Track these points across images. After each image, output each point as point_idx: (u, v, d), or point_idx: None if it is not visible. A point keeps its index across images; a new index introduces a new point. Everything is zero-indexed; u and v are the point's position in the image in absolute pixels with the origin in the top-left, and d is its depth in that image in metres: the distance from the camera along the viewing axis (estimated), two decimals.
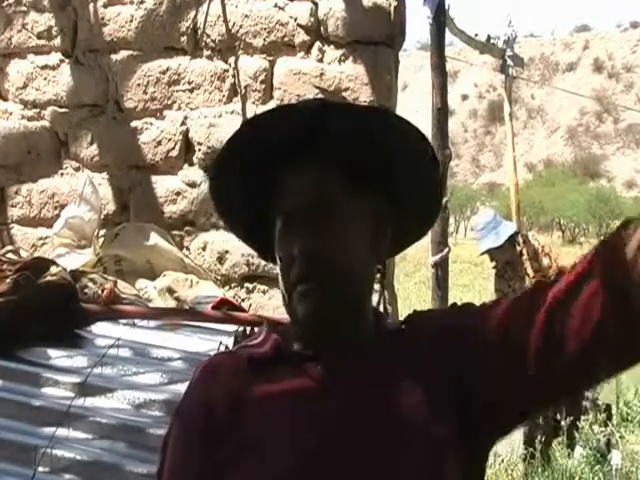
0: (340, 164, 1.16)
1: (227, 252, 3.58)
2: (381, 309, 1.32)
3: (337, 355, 1.14)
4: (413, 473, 1.08)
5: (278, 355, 1.16)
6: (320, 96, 3.47)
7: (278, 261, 1.18)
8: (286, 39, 3.55)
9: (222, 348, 2.38)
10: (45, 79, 3.83)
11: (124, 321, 2.58)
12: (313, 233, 1.14)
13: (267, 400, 1.12)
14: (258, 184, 1.21)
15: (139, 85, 3.70)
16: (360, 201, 1.18)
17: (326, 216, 1.15)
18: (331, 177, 1.16)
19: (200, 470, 1.12)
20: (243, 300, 3.52)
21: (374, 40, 3.46)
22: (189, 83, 3.65)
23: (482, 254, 5.82)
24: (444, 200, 1.31)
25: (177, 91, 3.67)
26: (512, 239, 5.62)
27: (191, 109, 3.65)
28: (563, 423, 4.63)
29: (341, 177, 1.16)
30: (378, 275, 1.24)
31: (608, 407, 6.05)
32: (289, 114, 1.18)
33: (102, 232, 3.44)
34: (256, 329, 2.41)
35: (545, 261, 5.71)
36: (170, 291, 3.03)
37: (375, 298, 1.27)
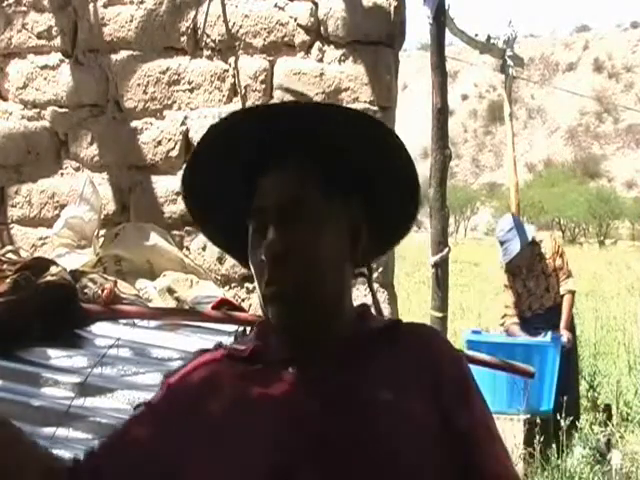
0: (316, 166, 1.16)
1: None
2: (374, 311, 1.32)
3: (312, 356, 1.15)
4: (396, 473, 1.08)
5: (256, 360, 1.16)
6: (319, 98, 3.47)
7: (252, 268, 1.18)
8: (286, 39, 3.55)
9: None
10: (45, 79, 3.83)
11: (124, 321, 2.58)
12: (280, 235, 1.13)
13: (244, 403, 1.13)
14: (235, 186, 1.21)
15: (139, 85, 3.70)
16: (336, 204, 1.17)
17: (295, 216, 1.14)
18: (304, 178, 1.16)
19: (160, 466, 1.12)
20: (243, 300, 3.53)
21: (374, 40, 3.47)
22: (189, 83, 3.65)
23: (510, 262, 5.55)
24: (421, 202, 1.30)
25: (177, 91, 3.67)
26: (531, 242, 5.57)
27: (191, 109, 3.65)
28: (563, 423, 4.63)
29: (316, 179, 1.16)
30: (363, 277, 1.25)
31: (608, 407, 6.05)
32: (268, 115, 1.18)
33: (102, 232, 3.44)
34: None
35: (558, 261, 5.70)
36: (170, 291, 3.03)
37: (369, 299, 1.27)
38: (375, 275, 3.35)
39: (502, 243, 5.62)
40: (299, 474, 1.06)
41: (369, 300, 1.35)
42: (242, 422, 1.11)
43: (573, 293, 5.74)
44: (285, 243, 1.12)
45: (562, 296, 5.64)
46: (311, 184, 1.16)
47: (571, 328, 5.71)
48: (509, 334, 5.68)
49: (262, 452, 1.07)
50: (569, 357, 5.53)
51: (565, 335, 5.46)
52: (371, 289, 1.33)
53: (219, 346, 1.25)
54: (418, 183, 1.24)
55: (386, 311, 3.39)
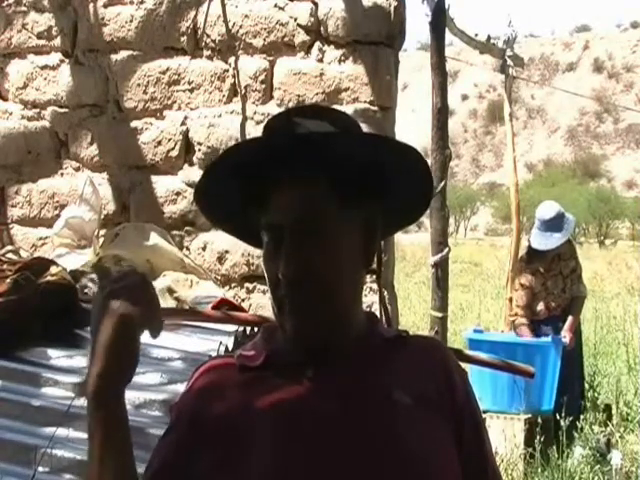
0: (328, 174, 1.13)
1: (227, 252, 3.58)
2: (380, 308, 1.32)
3: (328, 359, 1.15)
4: (415, 473, 1.09)
5: (270, 365, 1.16)
6: (319, 98, 3.47)
7: (265, 275, 1.16)
8: (286, 39, 3.55)
9: (222, 348, 2.38)
10: (45, 79, 3.83)
11: None
12: (299, 254, 1.11)
13: (260, 408, 1.12)
14: (245, 192, 1.19)
15: (139, 85, 3.70)
16: (351, 213, 1.15)
17: (314, 235, 1.12)
18: (320, 193, 1.13)
19: (185, 475, 1.12)
20: (243, 300, 3.53)
21: (374, 40, 3.47)
22: (189, 83, 3.65)
23: (547, 251, 5.37)
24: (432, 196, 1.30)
25: (177, 91, 3.67)
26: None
27: (191, 109, 3.65)
28: (563, 423, 4.63)
29: (331, 192, 1.13)
30: (373, 276, 1.25)
31: (608, 407, 6.04)
32: (281, 130, 1.16)
33: (102, 232, 3.44)
34: (256, 329, 2.41)
35: (572, 263, 5.68)
36: (170, 291, 3.03)
37: (370, 298, 1.27)
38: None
39: (545, 229, 5.44)
40: (321, 476, 1.06)
41: (370, 299, 1.35)
42: (265, 428, 1.10)
43: (584, 298, 5.74)
44: (302, 263, 1.11)
45: (573, 299, 5.62)
46: (325, 198, 1.13)
47: (576, 331, 5.68)
48: (518, 334, 5.64)
49: (287, 455, 1.07)
50: (571, 358, 5.51)
51: (568, 336, 5.44)
52: (379, 285, 1.33)
53: (224, 355, 1.24)
54: (430, 176, 1.24)
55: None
